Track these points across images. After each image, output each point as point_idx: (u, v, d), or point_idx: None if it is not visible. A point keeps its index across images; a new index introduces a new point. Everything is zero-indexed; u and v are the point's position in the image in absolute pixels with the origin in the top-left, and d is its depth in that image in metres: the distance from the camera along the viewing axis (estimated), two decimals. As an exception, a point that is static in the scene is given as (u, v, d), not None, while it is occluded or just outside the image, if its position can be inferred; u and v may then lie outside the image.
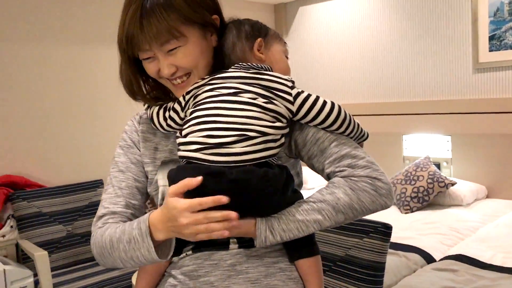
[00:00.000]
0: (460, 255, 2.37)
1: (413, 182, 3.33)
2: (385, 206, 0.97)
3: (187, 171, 0.92)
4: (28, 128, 3.06)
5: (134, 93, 1.07)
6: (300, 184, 1.10)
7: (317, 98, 1.00)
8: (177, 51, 0.98)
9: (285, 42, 1.15)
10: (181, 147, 0.97)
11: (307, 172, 2.94)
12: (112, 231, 0.99)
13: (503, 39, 3.32)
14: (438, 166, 3.64)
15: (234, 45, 1.05)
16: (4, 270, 2.35)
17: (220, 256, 0.99)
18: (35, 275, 2.45)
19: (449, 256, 2.39)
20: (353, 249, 1.46)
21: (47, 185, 3.03)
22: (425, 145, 3.77)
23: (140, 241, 0.94)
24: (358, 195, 0.94)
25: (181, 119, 1.03)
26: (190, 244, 1.00)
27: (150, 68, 1.02)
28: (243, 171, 0.91)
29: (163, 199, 1.04)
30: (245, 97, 0.96)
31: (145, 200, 1.12)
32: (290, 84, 1.00)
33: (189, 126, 0.97)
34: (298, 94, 0.99)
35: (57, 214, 2.84)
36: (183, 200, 0.87)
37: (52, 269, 2.55)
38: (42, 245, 2.67)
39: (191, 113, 0.99)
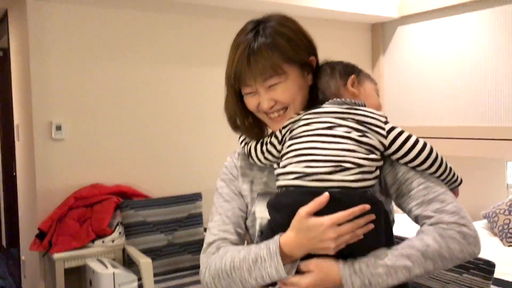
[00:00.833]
0: None
1: (517, 213, 3.14)
2: (473, 255, 0.97)
3: (293, 195, 0.99)
4: (137, 143, 3.33)
5: (236, 125, 1.17)
6: (392, 221, 1.12)
7: (410, 135, 1.03)
8: (277, 86, 1.07)
9: (375, 82, 1.20)
10: (280, 177, 1.03)
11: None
12: (234, 253, 1.04)
13: None
14: (546, 196, 3.40)
15: (329, 82, 1.13)
16: (114, 273, 2.57)
17: None
18: (139, 279, 2.65)
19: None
20: (452, 284, 1.44)
21: (151, 196, 3.26)
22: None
23: (268, 260, 0.97)
24: (447, 243, 0.95)
25: (278, 152, 1.10)
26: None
27: (251, 102, 1.11)
28: (343, 193, 0.95)
29: (261, 230, 1.11)
30: (339, 131, 1.01)
31: (246, 230, 1.18)
32: (383, 119, 1.05)
33: (287, 158, 1.04)
34: (392, 129, 1.03)
35: (160, 224, 3.04)
36: (327, 217, 0.93)
37: (154, 275, 2.72)
38: (145, 251, 2.87)
39: (288, 146, 1.05)
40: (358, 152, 0.99)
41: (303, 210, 0.95)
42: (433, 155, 1.02)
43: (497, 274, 2.46)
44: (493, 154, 3.66)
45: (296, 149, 1.03)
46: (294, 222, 0.96)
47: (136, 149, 3.33)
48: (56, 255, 2.74)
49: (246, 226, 1.17)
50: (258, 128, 1.17)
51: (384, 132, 1.03)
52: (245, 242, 1.16)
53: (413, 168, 1.04)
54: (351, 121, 1.03)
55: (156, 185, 3.38)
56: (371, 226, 0.94)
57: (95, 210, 2.95)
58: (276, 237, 0.99)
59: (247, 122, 1.16)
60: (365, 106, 1.08)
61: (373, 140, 1.02)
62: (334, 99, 1.09)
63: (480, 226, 3.37)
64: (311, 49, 1.14)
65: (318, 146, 1.00)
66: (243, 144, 1.19)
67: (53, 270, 2.82)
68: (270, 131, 1.16)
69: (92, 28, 3.14)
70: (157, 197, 3.19)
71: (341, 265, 0.95)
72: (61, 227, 2.85)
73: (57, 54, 3.04)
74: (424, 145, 1.03)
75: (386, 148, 1.03)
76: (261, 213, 1.10)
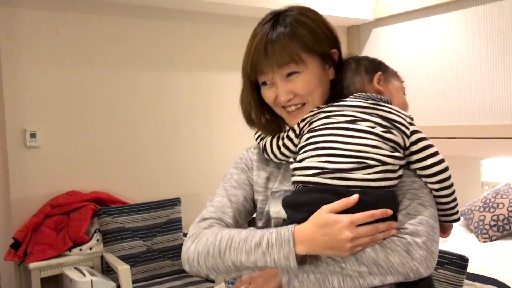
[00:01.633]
0: (543, 289, 2.25)
1: (492, 210, 3.20)
2: (416, 273, 0.90)
3: (312, 193, 0.93)
4: (114, 149, 3.30)
5: (251, 119, 1.12)
6: None
7: (432, 144, 0.99)
8: (296, 77, 1.02)
9: (402, 80, 1.16)
10: (297, 172, 0.97)
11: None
12: (233, 232, 0.96)
13: None
14: (520, 193, 3.46)
15: (353, 78, 1.07)
16: (92, 280, 2.53)
17: None
18: (118, 286, 2.62)
19: (531, 290, 2.28)
20: (427, 280, 1.46)
21: (129, 202, 3.23)
22: (506, 171, 3.60)
23: (276, 246, 0.90)
24: (386, 254, 0.90)
25: (295, 146, 1.04)
26: None
27: (268, 94, 1.06)
28: (367, 193, 0.91)
29: None
30: (363, 125, 0.96)
31: (244, 224, 1.12)
32: (409, 120, 1.00)
33: (305, 151, 0.98)
34: (416, 131, 0.99)
35: (138, 230, 3.01)
36: (346, 215, 0.88)
37: (133, 282, 2.70)
38: (124, 258, 2.83)
39: (307, 139, 1.00)
40: (382, 149, 0.94)
41: (328, 206, 0.90)
42: (446, 174, 0.99)
43: (473, 269, 2.51)
44: (469, 153, 3.72)
45: (315, 142, 0.97)
46: (314, 215, 0.91)
47: (113, 155, 3.30)
48: (32, 265, 2.69)
49: (252, 224, 1.13)
50: (275, 124, 1.12)
51: (408, 132, 0.98)
52: None
53: (420, 177, 1.00)
54: (376, 116, 0.97)
55: (134, 191, 3.35)
56: (393, 232, 0.90)
57: (72, 217, 2.91)
58: (291, 226, 0.93)
59: (264, 119, 1.11)
60: (390, 103, 1.03)
61: (398, 137, 0.96)
62: (359, 93, 1.03)
63: (457, 224, 3.42)
64: (334, 41, 1.09)
65: (340, 140, 0.95)
66: (258, 139, 1.14)
67: (29, 280, 2.77)
68: (288, 128, 1.10)
69: (66, 33, 3.11)
70: (135, 203, 3.16)
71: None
72: (36, 236, 2.80)
73: (30, 60, 2.99)
74: (442, 160, 0.99)
75: (405, 148, 0.98)
76: (276, 213, 1.03)
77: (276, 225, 1.01)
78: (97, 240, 2.91)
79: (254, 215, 1.15)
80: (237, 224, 1.07)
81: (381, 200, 0.91)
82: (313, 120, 1.02)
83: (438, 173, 0.98)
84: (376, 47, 4.38)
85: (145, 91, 3.42)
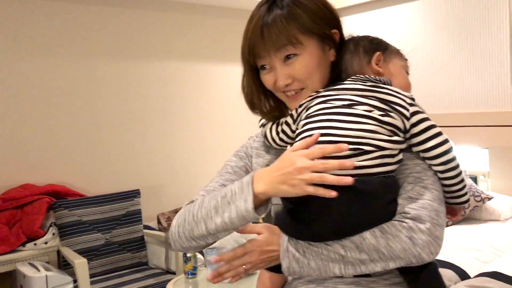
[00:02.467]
0: (496, 272, 2.31)
1: (448, 196, 3.29)
2: (419, 259, 0.88)
3: None
4: (70, 140, 3.20)
5: (253, 105, 1.10)
6: None
7: (434, 125, 0.96)
8: (294, 60, 0.99)
9: (406, 58, 1.11)
10: None
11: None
12: (207, 197, 0.97)
13: (543, 51, 3.24)
14: (474, 179, 3.57)
15: (351, 59, 1.03)
16: (46, 276, 2.46)
17: (334, 285, 0.96)
18: (75, 281, 2.55)
19: (484, 273, 2.34)
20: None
21: (86, 194, 3.14)
22: (462, 158, 3.70)
23: (238, 194, 0.90)
24: (387, 240, 0.88)
25: (293, 132, 1.02)
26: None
27: (267, 79, 1.03)
28: (362, 182, 0.87)
29: (276, 217, 1.01)
30: (359, 109, 0.92)
31: None
32: (409, 100, 0.95)
33: (301, 138, 0.95)
34: (416, 112, 0.95)
35: (96, 223, 2.94)
36: (299, 151, 0.88)
37: (91, 276, 2.64)
38: (82, 252, 2.77)
39: (303, 125, 0.97)
40: (380, 133, 0.90)
41: (293, 147, 0.91)
42: (451, 155, 0.95)
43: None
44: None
45: (311, 129, 0.94)
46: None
47: (69, 147, 3.20)
48: (-17, 261, 2.59)
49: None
50: (279, 110, 1.09)
51: (407, 114, 0.93)
52: None
53: (424, 159, 0.96)
54: (374, 99, 0.94)
55: (92, 183, 3.27)
56: (348, 166, 0.85)
57: (26, 211, 2.81)
58: (253, 171, 0.92)
59: (268, 105, 1.09)
60: (390, 84, 0.99)
61: (396, 120, 0.92)
62: (357, 75, 1.00)
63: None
64: (334, 21, 1.05)
65: (335, 125, 0.91)
66: (260, 125, 1.13)
67: (-20, 277, 2.66)
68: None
69: (14, 21, 2.98)
70: (93, 195, 3.08)
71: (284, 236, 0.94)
72: (-12, 231, 2.69)
73: (-22, 47, 2.85)
74: (446, 140, 0.95)
75: (406, 131, 0.94)
76: (275, 200, 0.99)
77: (276, 212, 1.00)
78: (53, 234, 2.82)
79: None
80: None
81: (378, 186, 0.89)
82: (310, 105, 0.99)
83: (441, 154, 0.95)
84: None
85: (103, 81, 3.33)
